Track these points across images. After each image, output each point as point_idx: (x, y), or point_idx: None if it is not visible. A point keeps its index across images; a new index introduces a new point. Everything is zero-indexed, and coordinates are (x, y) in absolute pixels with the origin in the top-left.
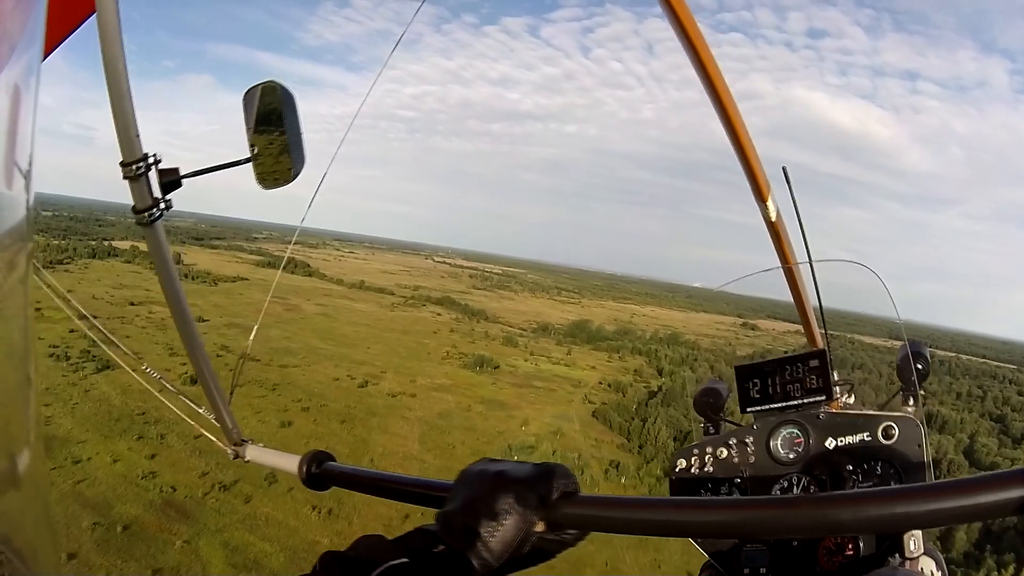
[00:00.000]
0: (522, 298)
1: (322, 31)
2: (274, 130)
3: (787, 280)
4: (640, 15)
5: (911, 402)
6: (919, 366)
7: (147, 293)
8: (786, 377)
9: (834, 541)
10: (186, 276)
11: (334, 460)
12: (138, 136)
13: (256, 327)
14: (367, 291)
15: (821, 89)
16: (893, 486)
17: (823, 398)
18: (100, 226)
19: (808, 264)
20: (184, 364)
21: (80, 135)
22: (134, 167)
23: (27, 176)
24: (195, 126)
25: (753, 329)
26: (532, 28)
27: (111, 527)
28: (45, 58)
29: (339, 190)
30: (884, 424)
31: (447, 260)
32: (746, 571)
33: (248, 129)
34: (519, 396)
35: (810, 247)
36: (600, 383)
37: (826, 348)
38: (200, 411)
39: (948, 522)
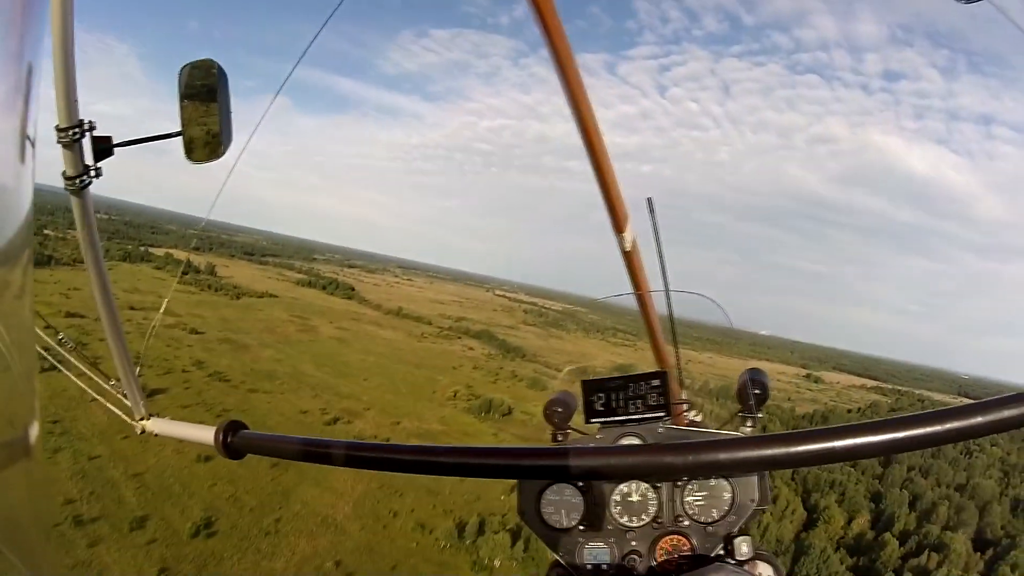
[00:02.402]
0: (573, 337)
1: (400, 60)
2: (206, 107)
3: (639, 305)
4: (717, 54)
5: (749, 424)
6: (757, 391)
7: (156, 300)
8: (629, 393)
9: (671, 543)
10: (210, 287)
11: (248, 428)
12: (76, 102)
13: (162, 309)
14: (403, 319)
15: (896, 133)
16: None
17: (663, 415)
18: (153, 233)
19: (663, 292)
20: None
21: (155, 146)
22: (70, 132)
23: (27, 174)
24: (272, 146)
25: (816, 382)
26: (609, 65)
27: None
28: None
29: (413, 218)
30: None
31: (507, 294)
32: (588, 567)
33: (181, 103)
34: None
35: (668, 275)
36: None
37: (667, 369)
38: (108, 386)
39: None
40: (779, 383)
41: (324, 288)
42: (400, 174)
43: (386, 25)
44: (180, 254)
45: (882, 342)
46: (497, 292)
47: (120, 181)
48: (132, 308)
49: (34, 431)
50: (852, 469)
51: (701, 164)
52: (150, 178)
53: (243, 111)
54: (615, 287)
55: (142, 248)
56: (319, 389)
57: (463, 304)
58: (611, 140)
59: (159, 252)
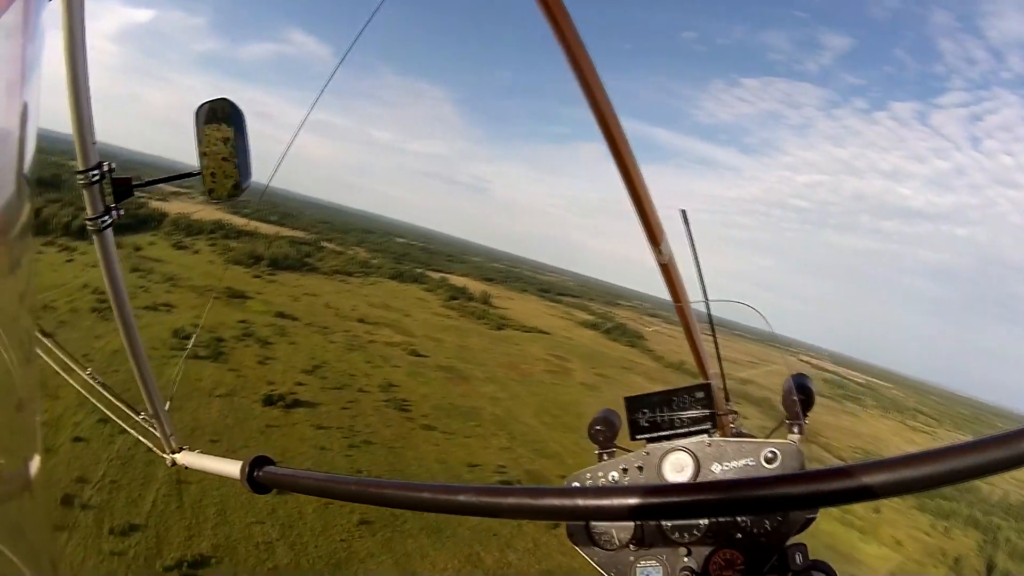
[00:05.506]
0: (867, 416)
1: (714, 110)
2: (224, 146)
3: (679, 317)
4: None
5: (795, 431)
6: (802, 397)
7: (397, 318)
8: (673, 408)
9: (724, 557)
10: (472, 315)
11: (275, 464)
12: (95, 144)
13: (204, 315)
14: (681, 372)
15: None
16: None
17: (709, 426)
18: (449, 260)
19: (703, 303)
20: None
21: (473, 184)
22: (90, 174)
23: (28, 179)
24: (585, 193)
25: None
26: (921, 115)
27: None
28: None
29: (728, 274)
30: (766, 450)
31: (810, 360)
32: None
33: (198, 143)
34: None
35: (706, 286)
36: None
37: (711, 381)
38: (139, 419)
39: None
40: None
41: (608, 332)
42: (717, 227)
43: (695, 75)
44: (457, 279)
45: None
46: (802, 358)
47: (433, 212)
48: (361, 321)
49: (34, 433)
50: None
51: (1017, 228)
52: (460, 210)
53: (555, 154)
54: (929, 363)
55: (418, 270)
56: (519, 441)
57: (758, 366)
58: (926, 199)
59: (435, 276)
